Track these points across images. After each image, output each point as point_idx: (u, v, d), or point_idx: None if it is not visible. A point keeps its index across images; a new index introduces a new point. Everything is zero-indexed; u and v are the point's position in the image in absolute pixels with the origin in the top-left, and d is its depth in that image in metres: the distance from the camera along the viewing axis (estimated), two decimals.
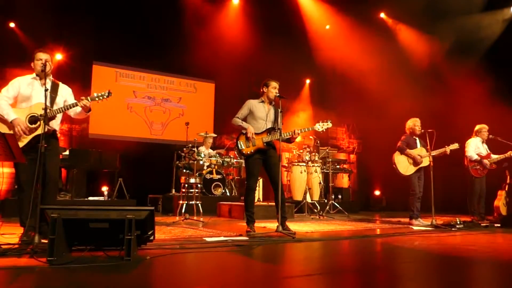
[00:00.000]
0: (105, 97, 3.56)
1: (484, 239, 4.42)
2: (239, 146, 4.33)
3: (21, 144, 3.40)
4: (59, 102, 3.69)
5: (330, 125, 4.47)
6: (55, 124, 3.73)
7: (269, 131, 4.35)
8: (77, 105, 3.56)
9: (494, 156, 6.50)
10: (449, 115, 8.39)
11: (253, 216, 4.36)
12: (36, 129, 3.48)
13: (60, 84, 3.80)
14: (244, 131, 4.34)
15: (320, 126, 4.45)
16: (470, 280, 2.54)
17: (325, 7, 10.20)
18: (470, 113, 7.77)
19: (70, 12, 7.97)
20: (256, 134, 4.33)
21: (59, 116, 3.75)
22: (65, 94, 3.79)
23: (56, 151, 3.78)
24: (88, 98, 3.54)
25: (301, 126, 4.75)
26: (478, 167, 6.41)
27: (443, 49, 8.73)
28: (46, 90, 3.31)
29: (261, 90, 4.55)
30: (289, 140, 4.46)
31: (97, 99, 3.55)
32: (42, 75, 3.59)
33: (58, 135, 3.87)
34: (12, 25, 8.17)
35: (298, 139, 8.09)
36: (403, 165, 5.92)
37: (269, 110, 4.48)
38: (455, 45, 8.60)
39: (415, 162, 5.85)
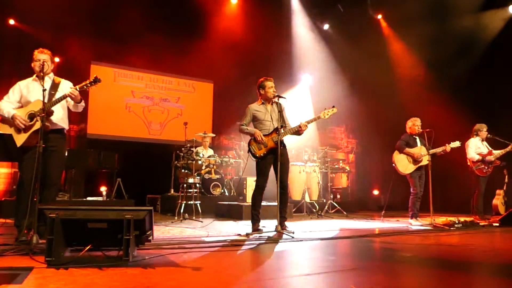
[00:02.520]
0: (92, 84, 3.50)
1: (482, 239, 4.42)
2: (252, 151, 4.37)
3: (21, 140, 3.41)
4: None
5: (335, 110, 4.45)
6: (63, 122, 3.71)
7: (277, 130, 4.35)
8: (67, 96, 3.50)
9: (496, 152, 6.47)
10: (449, 114, 8.39)
11: (258, 215, 4.37)
12: (33, 125, 3.48)
13: (62, 80, 3.78)
14: (252, 137, 4.38)
15: (324, 114, 4.43)
16: (468, 279, 2.53)
17: (324, 7, 10.20)
18: (469, 112, 7.77)
19: (69, 12, 7.94)
20: (266, 135, 4.37)
21: (61, 113, 3.69)
22: (65, 89, 3.72)
23: (62, 151, 3.77)
24: (77, 87, 3.52)
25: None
26: (483, 166, 6.39)
27: (441, 49, 8.72)
28: (44, 90, 3.31)
29: (258, 92, 4.54)
30: (298, 133, 4.47)
31: (85, 86, 3.52)
32: (41, 76, 3.58)
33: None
34: (11, 22, 8.10)
35: None
36: (403, 164, 5.91)
37: (271, 110, 4.48)
38: (453, 45, 8.59)
39: (415, 160, 5.84)
